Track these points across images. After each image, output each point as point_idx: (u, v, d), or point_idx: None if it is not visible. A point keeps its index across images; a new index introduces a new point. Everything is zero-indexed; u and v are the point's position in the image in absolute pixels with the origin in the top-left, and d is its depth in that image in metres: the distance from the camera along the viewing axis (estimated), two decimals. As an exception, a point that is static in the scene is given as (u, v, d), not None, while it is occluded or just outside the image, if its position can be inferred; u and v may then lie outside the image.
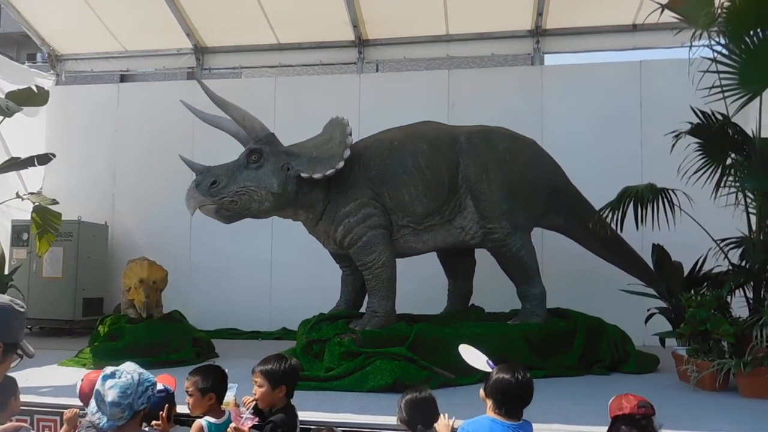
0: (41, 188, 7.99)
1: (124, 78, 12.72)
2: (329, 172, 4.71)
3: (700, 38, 4.59)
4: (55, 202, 5.96)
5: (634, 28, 7.37)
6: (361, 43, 7.91)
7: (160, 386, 2.72)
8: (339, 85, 7.84)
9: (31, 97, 5.95)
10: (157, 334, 5.31)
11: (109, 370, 2.37)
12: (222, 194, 4.65)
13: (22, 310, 2.35)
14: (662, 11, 4.75)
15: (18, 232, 7.28)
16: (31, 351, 2.42)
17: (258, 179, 4.71)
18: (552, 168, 5.54)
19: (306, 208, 4.94)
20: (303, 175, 4.73)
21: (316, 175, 4.71)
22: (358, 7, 7.48)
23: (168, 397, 2.90)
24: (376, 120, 6.13)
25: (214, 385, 2.79)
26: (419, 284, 6.02)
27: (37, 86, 6.06)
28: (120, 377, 2.32)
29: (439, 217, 5.00)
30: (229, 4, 7.61)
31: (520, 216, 5.11)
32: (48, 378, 4.47)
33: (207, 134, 6.09)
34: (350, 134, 4.83)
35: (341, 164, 4.72)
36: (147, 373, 2.42)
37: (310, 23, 7.77)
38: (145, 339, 5.22)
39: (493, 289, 5.66)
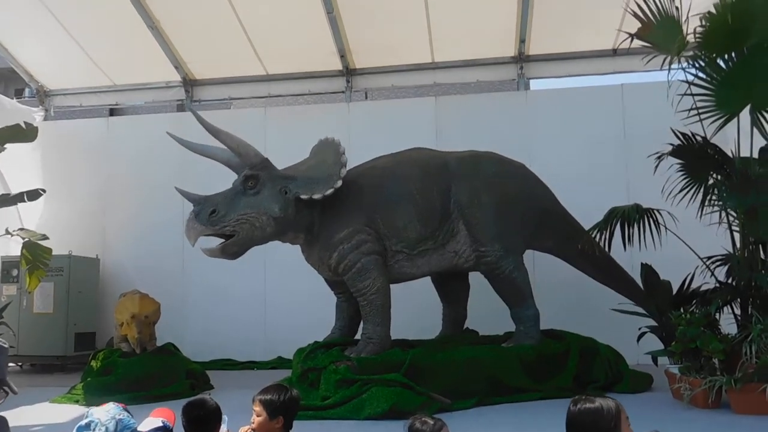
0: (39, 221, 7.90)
1: (113, 111, 12.76)
2: (328, 191, 4.73)
3: (671, 64, 4.73)
4: (45, 237, 5.91)
5: (614, 52, 7.59)
6: (348, 72, 8.06)
7: (158, 422, 2.70)
8: (328, 113, 7.97)
9: (19, 134, 5.89)
10: (150, 367, 5.26)
11: (85, 419, 2.28)
12: (222, 222, 4.61)
13: (6, 346, 2.36)
14: (632, 40, 4.92)
15: (8, 269, 7.24)
16: (15, 389, 2.42)
17: (258, 205, 4.70)
18: (541, 190, 5.64)
19: (305, 230, 4.94)
20: (303, 196, 4.73)
21: (316, 196, 4.72)
22: (344, 38, 7.64)
23: (165, 433, 2.87)
24: (366, 147, 6.21)
25: (189, 423, 2.52)
26: (413, 310, 6.03)
27: (25, 122, 6.00)
28: (94, 430, 2.23)
29: (432, 242, 5.05)
30: (217, 36, 7.74)
31: (511, 238, 5.18)
32: (40, 416, 4.42)
33: (197, 166, 6.12)
34: (344, 153, 4.87)
35: (339, 183, 4.75)
36: (127, 419, 2.31)
37: (298, 54, 7.92)
38: (138, 373, 5.17)
39: (487, 312, 5.68)
